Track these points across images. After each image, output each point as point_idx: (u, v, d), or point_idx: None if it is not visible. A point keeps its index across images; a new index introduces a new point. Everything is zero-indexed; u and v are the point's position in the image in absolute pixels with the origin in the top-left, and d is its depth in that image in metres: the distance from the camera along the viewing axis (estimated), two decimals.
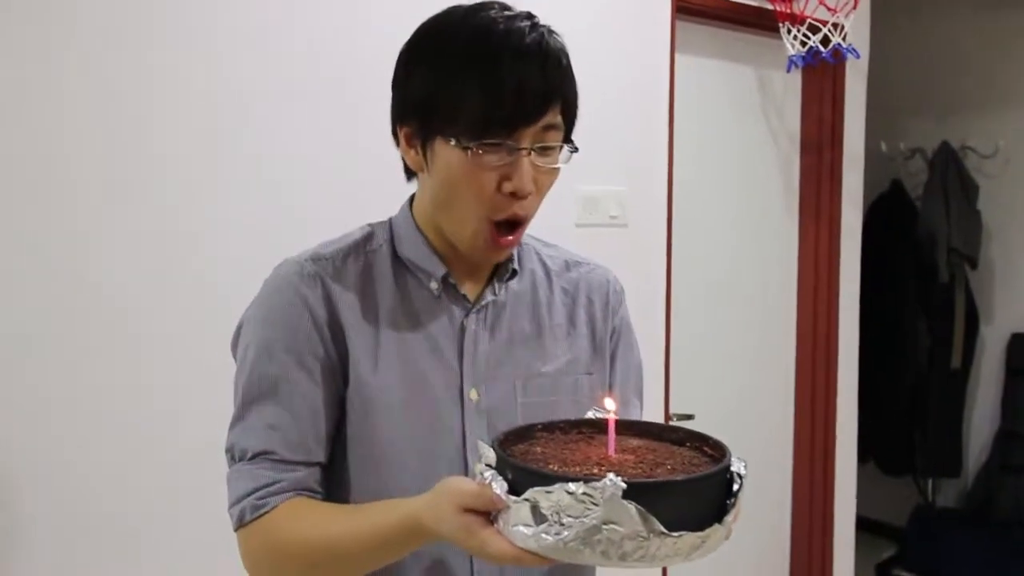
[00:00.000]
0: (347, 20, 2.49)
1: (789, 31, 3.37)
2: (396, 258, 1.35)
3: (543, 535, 0.93)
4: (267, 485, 1.23)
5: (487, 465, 1.02)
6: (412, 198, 1.39)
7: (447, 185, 1.24)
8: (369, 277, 1.33)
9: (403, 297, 1.33)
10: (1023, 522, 4.50)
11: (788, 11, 3.36)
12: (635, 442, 1.11)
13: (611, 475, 0.90)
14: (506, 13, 1.24)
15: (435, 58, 1.23)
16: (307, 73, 2.44)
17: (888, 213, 5.05)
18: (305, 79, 2.44)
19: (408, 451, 1.28)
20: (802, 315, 3.90)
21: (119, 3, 2.19)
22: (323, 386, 1.27)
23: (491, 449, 1.03)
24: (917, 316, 4.99)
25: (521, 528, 0.95)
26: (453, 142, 1.20)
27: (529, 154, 1.21)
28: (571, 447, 1.09)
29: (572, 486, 0.91)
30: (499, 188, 1.22)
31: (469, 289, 1.36)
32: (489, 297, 1.36)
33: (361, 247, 1.35)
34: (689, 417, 3.34)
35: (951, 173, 4.81)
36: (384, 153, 1.37)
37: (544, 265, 1.45)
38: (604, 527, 0.90)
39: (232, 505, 1.25)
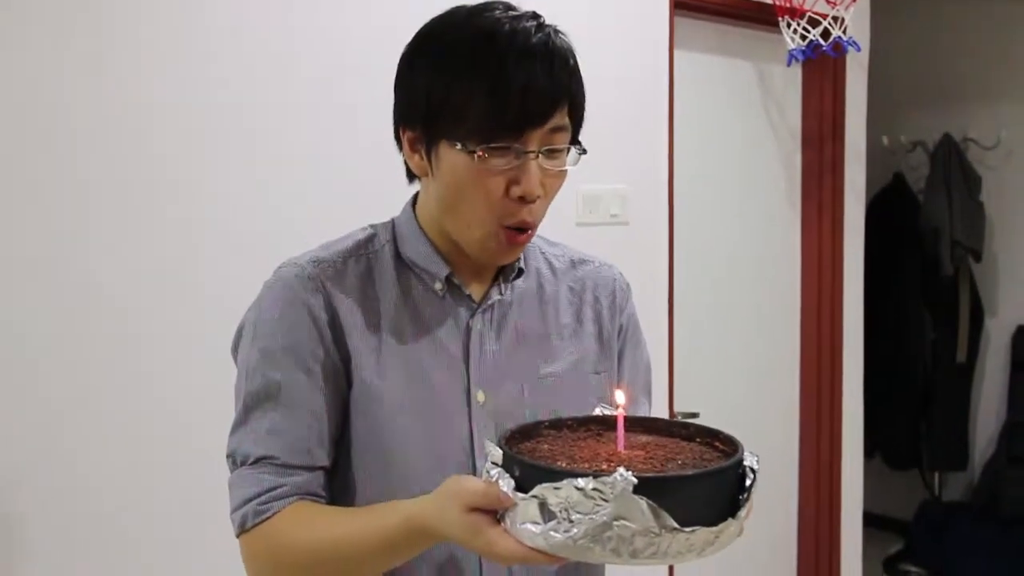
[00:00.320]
0: (346, 20, 2.48)
1: (789, 25, 3.35)
2: (399, 259, 1.33)
3: (552, 533, 0.91)
4: (269, 490, 1.21)
5: (493, 463, 1.00)
6: (415, 198, 1.37)
7: (453, 190, 1.22)
8: (371, 278, 1.31)
9: (406, 298, 1.31)
10: None
11: (787, 5, 3.34)
12: (644, 438, 1.10)
13: (621, 470, 0.88)
14: (511, 13, 1.21)
15: (439, 60, 1.20)
16: (306, 73, 2.43)
17: (890, 207, 5.04)
18: (304, 79, 2.43)
19: (414, 454, 1.26)
20: (806, 310, 3.89)
21: (114, 4, 2.18)
22: (325, 389, 1.25)
23: (497, 447, 1.01)
24: (921, 310, 4.99)
25: (529, 526, 0.94)
26: (459, 146, 1.18)
27: (537, 157, 1.19)
28: (579, 444, 1.07)
29: (581, 481, 0.89)
30: (507, 193, 1.20)
31: (474, 289, 1.34)
32: (495, 297, 1.34)
33: (363, 248, 1.33)
34: (694, 415, 3.32)
35: (953, 165, 4.80)
36: (385, 154, 1.36)
37: (549, 264, 1.43)
38: (615, 523, 0.88)
39: (234, 511, 1.23)
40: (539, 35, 1.19)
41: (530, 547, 0.94)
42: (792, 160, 3.84)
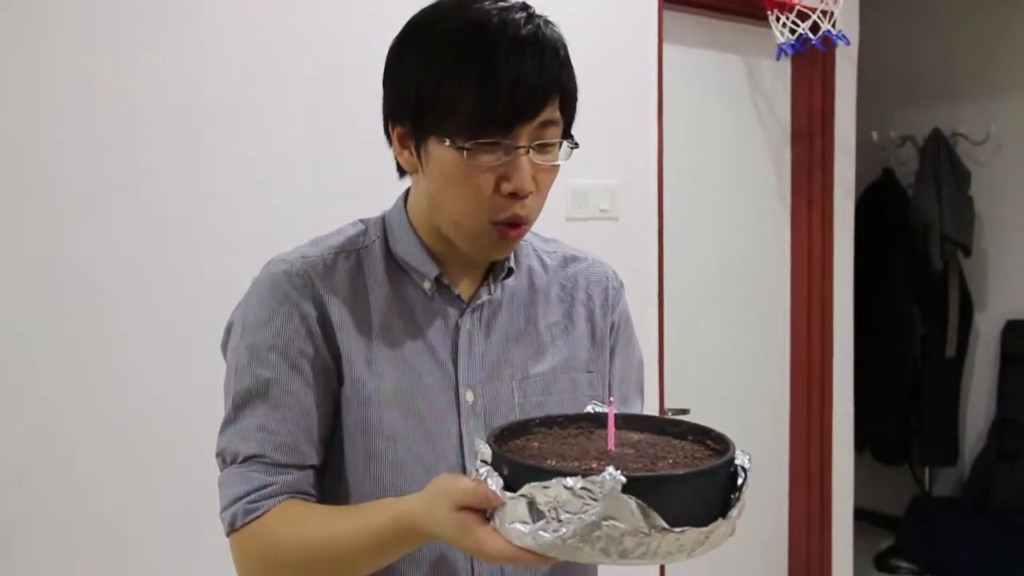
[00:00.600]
0: (337, 15, 2.47)
1: (778, 19, 3.35)
2: (389, 256, 1.32)
3: (540, 532, 0.90)
4: (259, 488, 1.20)
5: (483, 461, 0.99)
6: (407, 193, 1.36)
7: (443, 187, 1.20)
8: (361, 275, 1.29)
9: (396, 296, 1.30)
10: (1020, 509, 4.50)
11: None
12: (635, 436, 1.09)
13: (610, 469, 0.87)
14: (501, 4, 1.19)
15: (427, 53, 1.18)
16: (307, 73, 2.42)
17: (880, 202, 5.05)
18: (305, 79, 2.42)
19: (405, 453, 1.25)
20: (796, 305, 3.89)
21: (108, 3, 2.17)
22: (315, 387, 1.24)
23: (486, 445, 1.00)
24: (911, 305, 5.00)
25: (518, 525, 0.92)
26: (447, 142, 1.16)
27: (528, 152, 1.17)
28: (569, 442, 1.06)
29: (570, 481, 0.88)
30: (497, 189, 1.18)
31: (464, 288, 1.33)
32: (484, 296, 1.33)
33: (353, 244, 1.32)
34: (684, 411, 3.31)
35: (942, 160, 4.81)
36: (385, 154, 1.34)
37: (542, 261, 1.42)
38: (604, 523, 0.87)
39: (223, 510, 1.22)
40: (529, 26, 1.16)
41: (519, 546, 0.93)
42: (781, 155, 3.84)
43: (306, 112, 2.43)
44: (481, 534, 0.96)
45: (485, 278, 1.34)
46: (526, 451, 1.02)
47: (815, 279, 3.84)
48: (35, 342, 2.10)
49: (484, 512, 0.97)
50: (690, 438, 1.08)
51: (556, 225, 2.79)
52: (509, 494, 0.93)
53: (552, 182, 1.24)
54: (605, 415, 1.06)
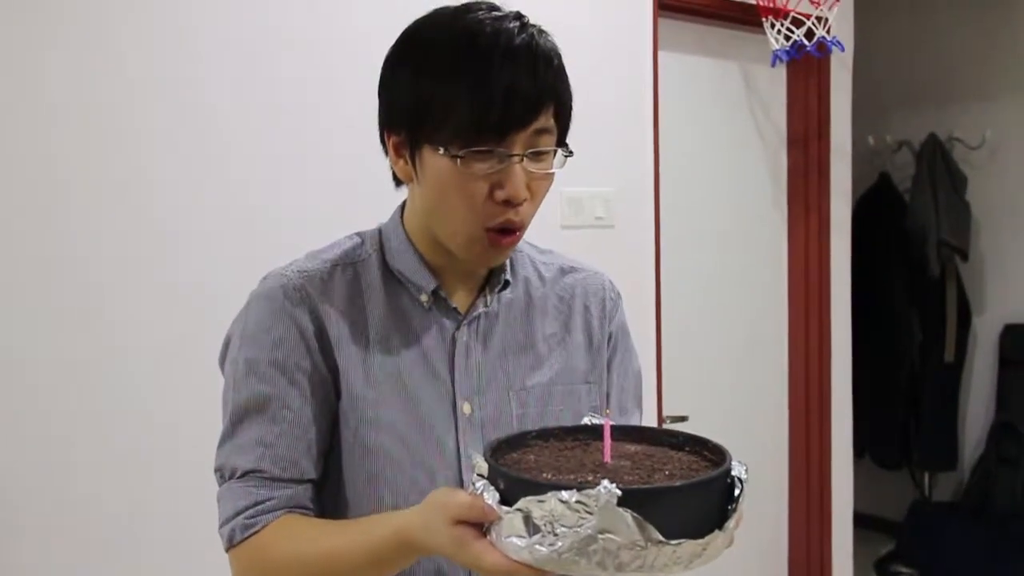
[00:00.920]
0: (334, 21, 2.48)
1: (773, 25, 3.35)
2: (386, 269, 1.32)
3: (537, 546, 0.90)
4: (257, 503, 1.20)
5: (479, 475, 0.99)
6: (403, 206, 1.36)
7: (437, 195, 1.20)
8: (358, 288, 1.29)
9: (393, 308, 1.30)
10: (1020, 514, 4.50)
11: (771, 5, 3.34)
12: (632, 447, 1.08)
13: (605, 482, 0.87)
14: (495, 14, 1.19)
15: (421, 62, 1.18)
16: (308, 74, 2.44)
17: (877, 207, 5.06)
18: (296, 76, 2.43)
19: (403, 466, 1.25)
20: (794, 311, 3.89)
21: (103, 7, 2.18)
22: (313, 401, 1.24)
23: (483, 459, 1.00)
24: (909, 310, 5.00)
25: (514, 539, 0.92)
26: (441, 151, 1.16)
27: (522, 160, 1.17)
28: (566, 454, 1.06)
29: (565, 494, 0.88)
30: (491, 196, 1.18)
31: (460, 300, 1.32)
32: (481, 308, 1.32)
33: (350, 257, 1.32)
34: (683, 418, 3.31)
35: (939, 165, 4.81)
36: (376, 156, 1.35)
37: (538, 272, 1.42)
38: (599, 536, 0.87)
39: (222, 525, 1.22)
40: (522, 35, 1.16)
41: (516, 560, 0.93)
42: (778, 160, 3.84)
43: (308, 113, 2.44)
44: (478, 548, 0.96)
45: (482, 290, 1.34)
46: (522, 464, 1.02)
47: (812, 285, 3.83)
48: (35, 342, 2.11)
49: (481, 526, 0.97)
50: (687, 449, 1.07)
51: (552, 233, 2.80)
52: (505, 508, 0.93)
53: (547, 189, 1.24)
54: (602, 427, 1.05)
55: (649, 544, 0.87)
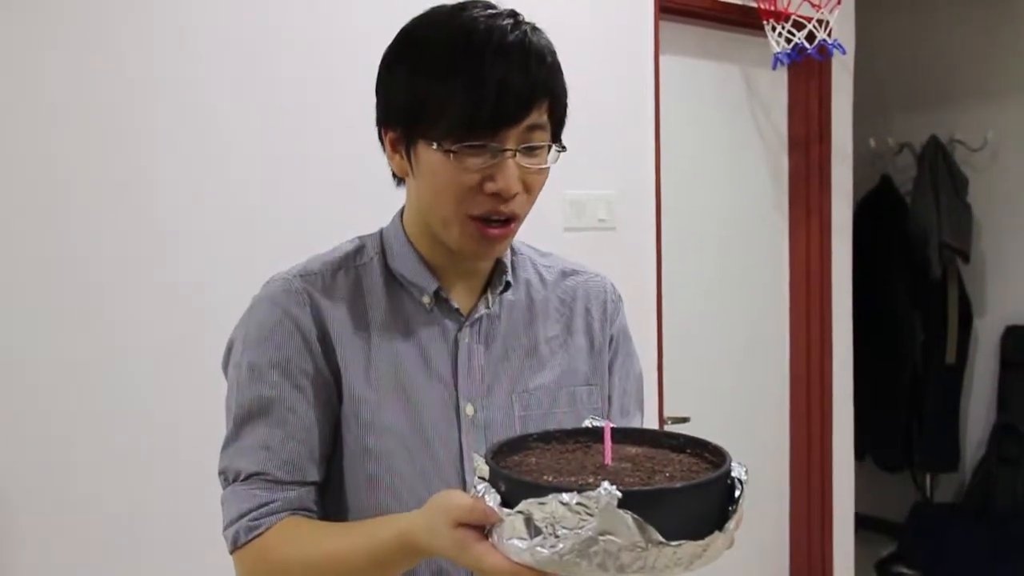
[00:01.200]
0: (334, 21, 2.49)
1: (774, 28, 3.36)
2: (387, 271, 1.32)
3: (538, 548, 0.90)
4: (261, 506, 1.21)
5: (480, 478, 0.99)
6: (403, 210, 1.36)
7: (431, 190, 1.22)
8: (360, 291, 1.30)
9: (395, 311, 1.30)
10: (1021, 515, 4.49)
11: (772, 8, 3.34)
12: (633, 450, 1.09)
13: (606, 484, 0.87)
14: (489, 12, 1.21)
15: (416, 60, 1.20)
16: (309, 74, 2.45)
17: (878, 209, 5.06)
18: (296, 78, 2.44)
19: (406, 468, 1.25)
20: (795, 313, 3.89)
21: (103, 7, 2.18)
22: (316, 404, 1.25)
23: (484, 462, 1.00)
24: (911, 311, 5.00)
25: (516, 542, 0.92)
26: (435, 146, 1.17)
27: (515, 156, 1.18)
28: (567, 456, 1.06)
29: (566, 496, 0.88)
30: (481, 188, 1.19)
31: (463, 302, 1.33)
32: (482, 310, 1.33)
33: (351, 261, 1.33)
34: (684, 420, 3.32)
35: (940, 167, 4.81)
36: (374, 160, 1.35)
37: (540, 275, 1.42)
38: (600, 538, 0.87)
39: (226, 527, 1.22)
40: (515, 33, 1.18)
41: (517, 563, 0.93)
42: (779, 163, 3.84)
43: (308, 113, 2.45)
44: (480, 550, 0.96)
45: (483, 292, 1.35)
46: (523, 467, 1.02)
47: (814, 287, 3.84)
48: (35, 343, 2.12)
49: (483, 528, 0.97)
50: (688, 451, 1.07)
51: (554, 235, 2.81)
52: (506, 510, 0.93)
53: (542, 184, 1.25)
54: (603, 429, 1.05)
55: (650, 545, 0.87)
